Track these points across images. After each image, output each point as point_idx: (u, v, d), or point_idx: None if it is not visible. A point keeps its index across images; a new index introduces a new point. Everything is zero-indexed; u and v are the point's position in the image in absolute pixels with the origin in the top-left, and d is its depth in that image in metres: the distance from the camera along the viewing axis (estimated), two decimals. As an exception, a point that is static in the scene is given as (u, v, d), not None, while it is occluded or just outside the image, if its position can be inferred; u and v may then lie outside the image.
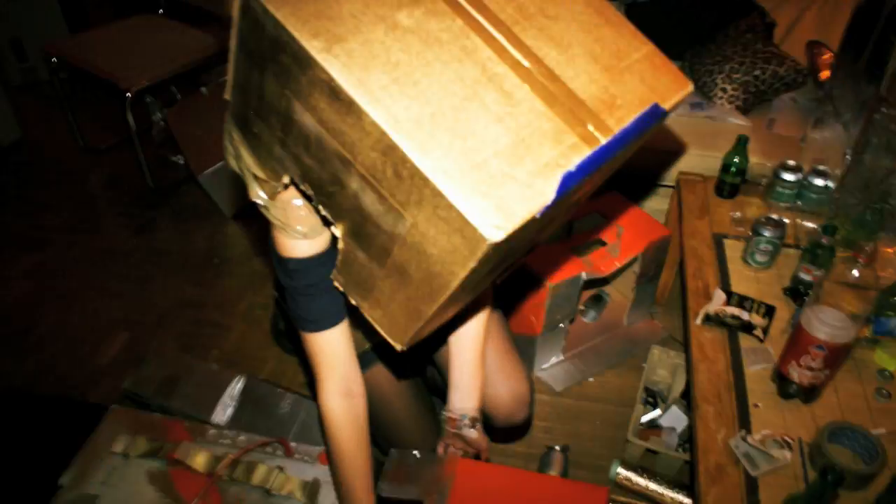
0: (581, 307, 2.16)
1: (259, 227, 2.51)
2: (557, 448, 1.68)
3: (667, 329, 2.16)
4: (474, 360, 1.26)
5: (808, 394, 1.28)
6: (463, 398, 1.24)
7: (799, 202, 1.76)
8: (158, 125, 2.92)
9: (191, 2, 2.66)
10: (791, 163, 1.76)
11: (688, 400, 1.80)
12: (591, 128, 0.69)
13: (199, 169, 2.38)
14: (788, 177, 1.73)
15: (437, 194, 0.62)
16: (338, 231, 0.84)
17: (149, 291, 2.22)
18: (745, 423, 1.26)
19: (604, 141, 0.69)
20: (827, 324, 1.19)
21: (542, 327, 1.86)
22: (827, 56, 2.38)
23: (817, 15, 2.58)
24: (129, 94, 2.34)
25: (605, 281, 2.18)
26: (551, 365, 2.02)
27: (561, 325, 1.92)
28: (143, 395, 1.67)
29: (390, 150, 0.64)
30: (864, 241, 1.22)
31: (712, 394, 1.32)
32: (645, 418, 1.82)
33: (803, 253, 1.51)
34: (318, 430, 1.58)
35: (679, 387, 1.87)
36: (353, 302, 0.91)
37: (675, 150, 2.18)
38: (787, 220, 1.63)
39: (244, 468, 1.33)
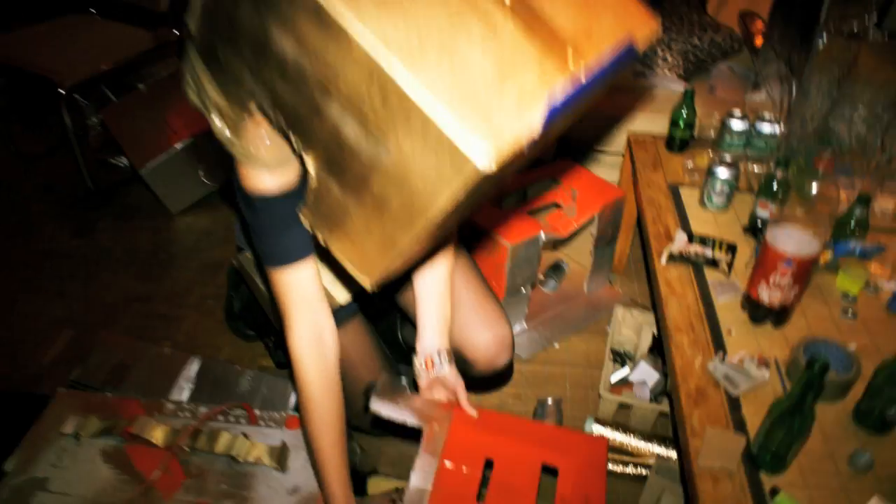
0: (540, 277, 2.14)
1: (209, 220, 2.43)
2: (550, 401, 1.65)
3: (627, 295, 2.16)
4: (441, 298, 1.22)
5: (779, 316, 1.28)
6: (434, 336, 1.20)
7: (748, 150, 1.80)
8: (95, 129, 2.82)
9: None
10: (738, 112, 1.79)
11: (659, 350, 1.80)
12: (570, 63, 0.68)
13: (140, 163, 2.29)
14: (736, 125, 1.76)
15: (427, 122, 0.60)
16: (310, 162, 0.80)
17: (92, 289, 2.11)
18: (720, 349, 1.25)
19: (583, 77, 0.68)
20: (793, 237, 1.20)
21: (505, 291, 1.84)
22: (759, 24, 2.46)
23: (747, -11, 2.67)
24: (62, 91, 2.24)
25: (563, 242, 2.18)
26: (515, 334, 1.99)
27: (522, 290, 1.90)
28: (91, 385, 1.57)
29: (377, 76, 0.61)
30: (821, 155, 1.24)
31: (685, 324, 1.31)
32: (615, 377, 1.80)
33: (759, 188, 1.53)
34: (282, 403, 1.51)
35: (645, 344, 1.87)
36: (321, 238, 0.88)
37: (621, 116, 2.21)
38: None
39: (206, 437, 1.26)
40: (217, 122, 0.87)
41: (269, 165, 0.92)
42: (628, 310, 1.93)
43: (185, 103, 2.65)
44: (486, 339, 1.29)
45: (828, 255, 1.40)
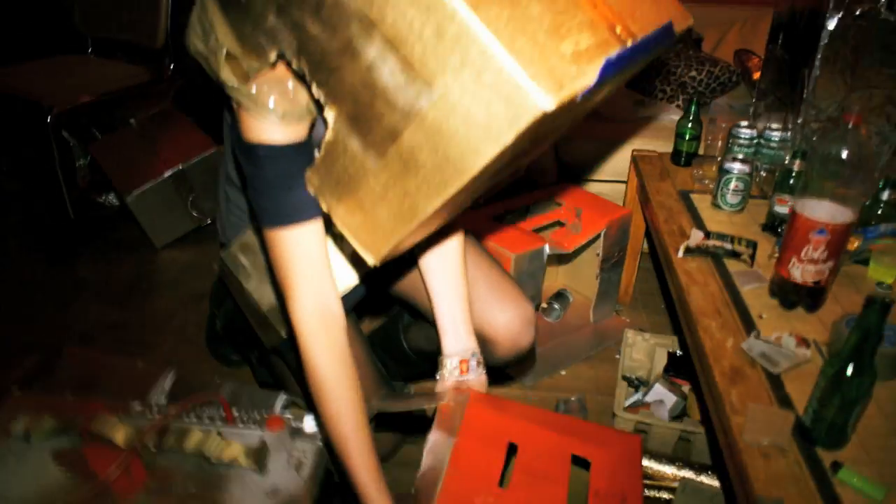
0: (544, 305, 2.02)
1: (194, 254, 2.32)
2: (574, 398, 1.50)
3: (635, 325, 2.04)
4: (463, 289, 1.11)
5: (813, 297, 1.17)
6: (466, 336, 1.09)
7: (757, 159, 1.73)
8: (83, 170, 2.75)
9: (120, 38, 2.57)
10: (744, 123, 1.74)
11: (677, 369, 1.66)
12: (618, 30, 0.69)
13: (126, 188, 2.21)
14: (745, 132, 1.70)
15: (486, 55, 0.58)
16: (330, 115, 0.74)
17: (66, 316, 1.97)
18: (752, 331, 1.13)
19: (630, 43, 0.68)
20: (824, 206, 1.10)
21: (510, 310, 1.72)
22: (756, 60, 2.47)
23: (739, 33, 2.70)
24: (49, 119, 2.18)
25: (566, 260, 2.08)
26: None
27: (528, 310, 1.78)
28: (52, 400, 1.41)
29: (435, 9, 0.59)
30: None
31: (710, 310, 1.19)
32: (629, 400, 1.66)
33: (776, 184, 1.46)
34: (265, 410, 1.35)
35: (659, 367, 1.74)
36: (325, 206, 0.81)
37: (622, 145, 2.16)
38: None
39: (175, 436, 1.10)
40: (225, 70, 0.80)
41: (280, 116, 0.82)
42: (639, 333, 1.80)
43: (176, 137, 2.58)
44: (508, 317, 1.17)
45: (857, 243, 1.31)
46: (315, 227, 0.90)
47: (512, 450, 0.99)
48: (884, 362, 1.00)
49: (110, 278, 2.17)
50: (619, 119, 2.26)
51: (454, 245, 1.10)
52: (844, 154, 1.11)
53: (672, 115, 2.28)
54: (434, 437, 0.97)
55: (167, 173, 2.25)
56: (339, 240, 1.06)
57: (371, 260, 0.80)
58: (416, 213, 0.72)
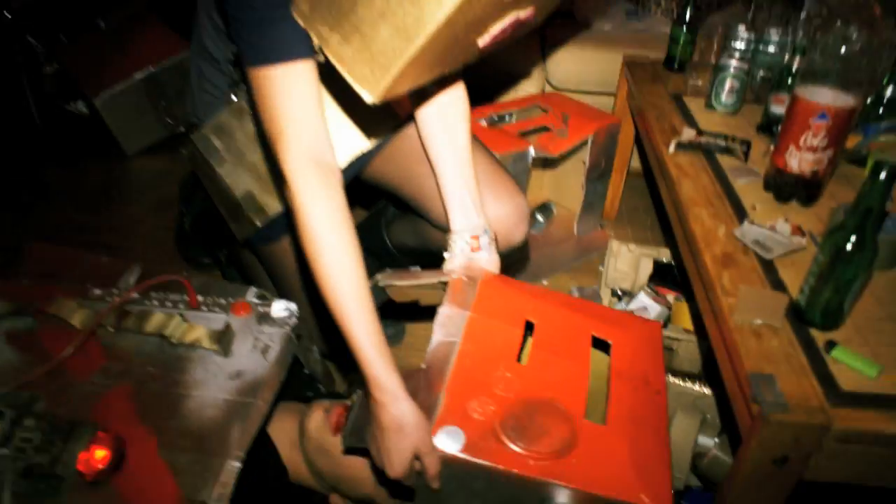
0: (529, 218, 1.97)
1: (166, 162, 2.22)
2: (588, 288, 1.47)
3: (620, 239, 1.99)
4: (470, 164, 1.02)
5: (809, 189, 1.11)
6: (477, 211, 1.00)
7: (754, 66, 1.65)
8: (50, 78, 2.61)
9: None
10: (742, 26, 1.65)
11: (662, 277, 1.63)
12: None
13: (95, 91, 2.09)
14: (742, 33, 1.62)
15: None
16: None
17: (28, 220, 1.89)
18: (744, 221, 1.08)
19: None
20: (826, 89, 1.04)
21: (492, 216, 1.66)
22: (755, -27, 2.37)
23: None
24: (10, 16, 2.05)
25: (552, 163, 2.01)
26: (501, 272, 1.81)
27: (511, 218, 1.72)
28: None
29: None
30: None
31: (702, 200, 1.14)
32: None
33: (773, 82, 1.39)
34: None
35: (644, 277, 1.69)
36: (317, 38, 0.73)
37: (611, 53, 2.07)
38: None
39: (135, 318, 1.04)
40: None
41: None
42: (624, 243, 1.75)
43: (148, 39, 2.41)
44: (503, 210, 1.09)
45: (854, 142, 1.25)
46: (306, 66, 0.81)
47: (528, 329, 0.92)
48: (882, 249, 0.96)
49: (77, 184, 2.08)
50: (610, 30, 2.16)
51: (461, 115, 1.02)
52: (854, 33, 1.03)
53: (665, 28, 2.18)
54: (445, 311, 0.90)
55: (138, 76, 2.14)
56: (332, 83, 0.94)
57: (369, 96, 0.72)
58: (422, 26, 0.64)
